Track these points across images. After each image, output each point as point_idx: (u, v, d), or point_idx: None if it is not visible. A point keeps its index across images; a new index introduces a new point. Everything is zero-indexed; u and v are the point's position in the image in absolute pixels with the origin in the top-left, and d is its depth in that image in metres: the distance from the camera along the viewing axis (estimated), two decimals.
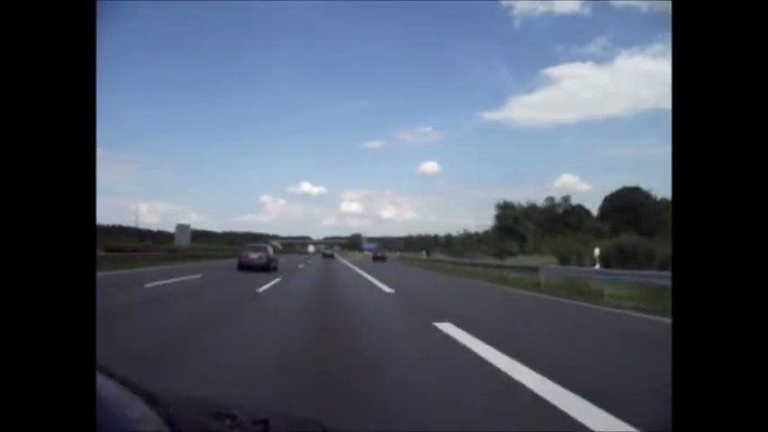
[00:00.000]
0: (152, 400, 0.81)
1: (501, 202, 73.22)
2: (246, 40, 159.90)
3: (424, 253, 67.32)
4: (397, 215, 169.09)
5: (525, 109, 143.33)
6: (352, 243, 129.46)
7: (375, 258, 50.32)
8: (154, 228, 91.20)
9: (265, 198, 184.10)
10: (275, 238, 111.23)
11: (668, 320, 7.64)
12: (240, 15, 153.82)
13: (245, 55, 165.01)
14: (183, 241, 49.33)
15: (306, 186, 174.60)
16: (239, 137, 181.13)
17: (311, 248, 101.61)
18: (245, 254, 20.94)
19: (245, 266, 19.84)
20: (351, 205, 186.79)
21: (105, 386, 0.80)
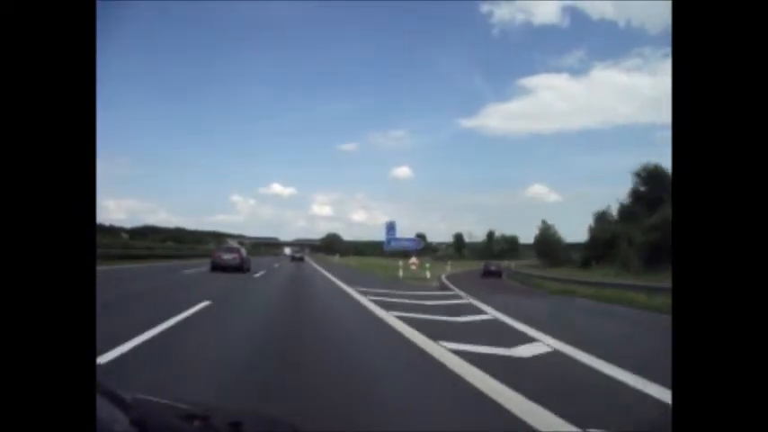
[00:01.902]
0: (120, 401, 0.81)
1: (649, 165, 41.58)
2: (221, 42, 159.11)
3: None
4: (369, 219, 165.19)
5: (501, 117, 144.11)
6: (327, 245, 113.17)
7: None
8: (118, 224, 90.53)
9: (236, 198, 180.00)
10: (241, 237, 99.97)
11: None
12: (215, 18, 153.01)
13: (220, 56, 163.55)
14: None
15: (276, 187, 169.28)
16: (211, 136, 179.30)
17: (287, 250, 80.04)
18: (218, 254, 20.56)
19: (219, 267, 19.50)
20: (322, 208, 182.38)
21: None
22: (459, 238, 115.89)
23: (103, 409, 0.77)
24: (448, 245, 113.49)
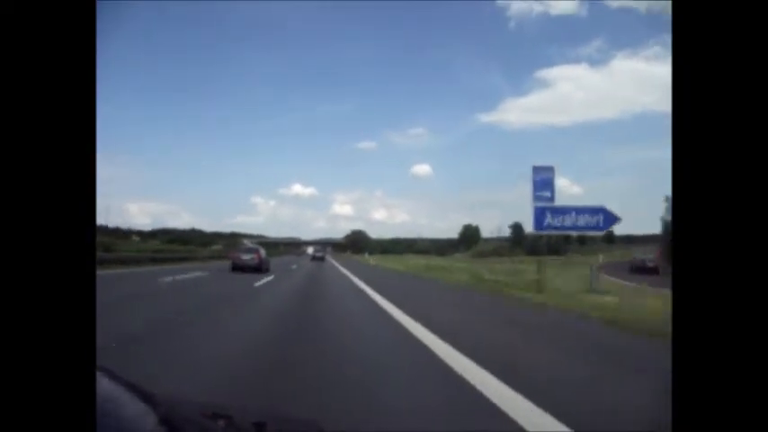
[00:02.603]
0: (148, 398, 0.82)
1: None
2: (239, 41, 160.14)
3: None
4: (389, 218, 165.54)
5: (519, 111, 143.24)
6: (353, 242, 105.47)
7: None
8: (139, 227, 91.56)
9: (257, 199, 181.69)
10: (261, 237, 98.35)
11: None
12: (233, 16, 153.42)
13: (239, 55, 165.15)
14: None
15: (297, 188, 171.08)
16: (232, 138, 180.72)
17: (310, 249, 71.97)
18: (237, 255, 20.92)
19: (238, 267, 19.84)
20: (342, 207, 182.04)
21: (102, 383, 0.80)
22: (517, 228, 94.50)
23: (132, 404, 0.78)
24: (498, 239, 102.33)
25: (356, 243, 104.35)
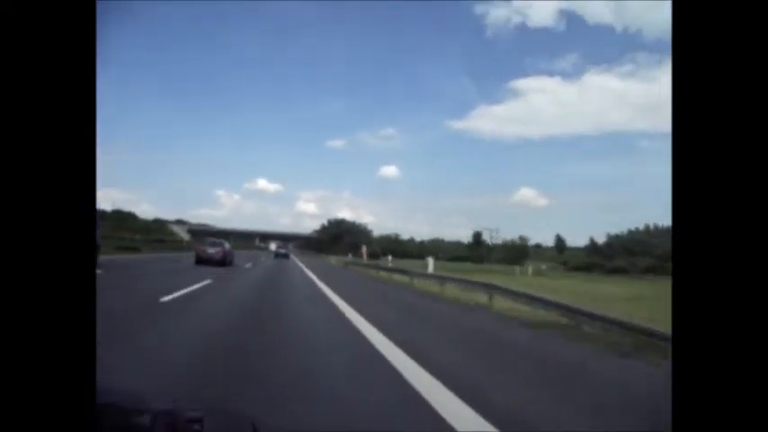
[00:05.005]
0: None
1: None
2: (210, 35, 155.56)
3: None
4: (355, 218, 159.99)
5: (491, 120, 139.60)
6: (334, 237, 75.62)
7: None
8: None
9: (220, 192, 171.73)
10: (205, 227, 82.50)
11: None
12: (204, 12, 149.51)
13: (210, 48, 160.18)
14: None
15: (262, 183, 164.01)
16: (199, 128, 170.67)
17: (273, 246, 65.71)
18: (202, 248, 20.82)
19: (203, 261, 19.62)
20: (307, 205, 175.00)
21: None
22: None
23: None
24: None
25: (339, 238, 70.74)
